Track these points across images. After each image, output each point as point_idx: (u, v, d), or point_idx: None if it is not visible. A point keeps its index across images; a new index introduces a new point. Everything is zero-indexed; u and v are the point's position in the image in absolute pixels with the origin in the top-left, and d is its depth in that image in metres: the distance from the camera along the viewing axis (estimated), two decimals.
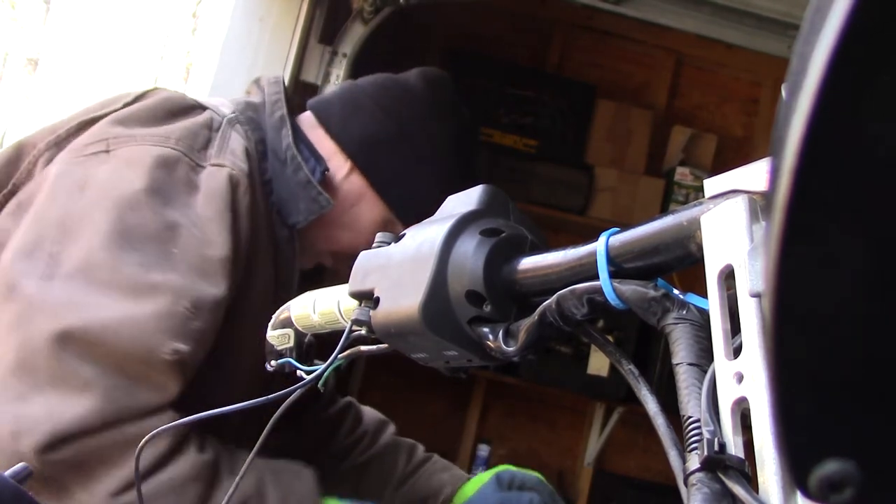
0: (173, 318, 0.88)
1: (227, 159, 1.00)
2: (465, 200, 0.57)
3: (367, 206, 1.16)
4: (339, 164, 1.15)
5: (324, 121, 1.17)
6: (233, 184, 0.98)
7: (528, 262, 0.53)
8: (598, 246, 0.46)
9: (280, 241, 1.10)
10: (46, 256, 0.89)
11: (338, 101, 1.19)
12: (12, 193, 1.00)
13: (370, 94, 1.18)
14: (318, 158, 1.13)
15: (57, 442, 0.81)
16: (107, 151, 0.96)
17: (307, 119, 1.19)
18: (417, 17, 2.46)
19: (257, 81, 1.19)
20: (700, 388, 0.38)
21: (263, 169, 1.08)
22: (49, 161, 1.00)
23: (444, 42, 3.05)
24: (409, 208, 1.15)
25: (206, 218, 0.95)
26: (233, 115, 1.07)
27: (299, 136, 1.13)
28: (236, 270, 0.98)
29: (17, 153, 1.02)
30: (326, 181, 1.13)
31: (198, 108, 1.04)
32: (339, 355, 0.63)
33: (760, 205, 0.39)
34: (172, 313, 0.88)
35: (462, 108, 1.23)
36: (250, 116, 1.10)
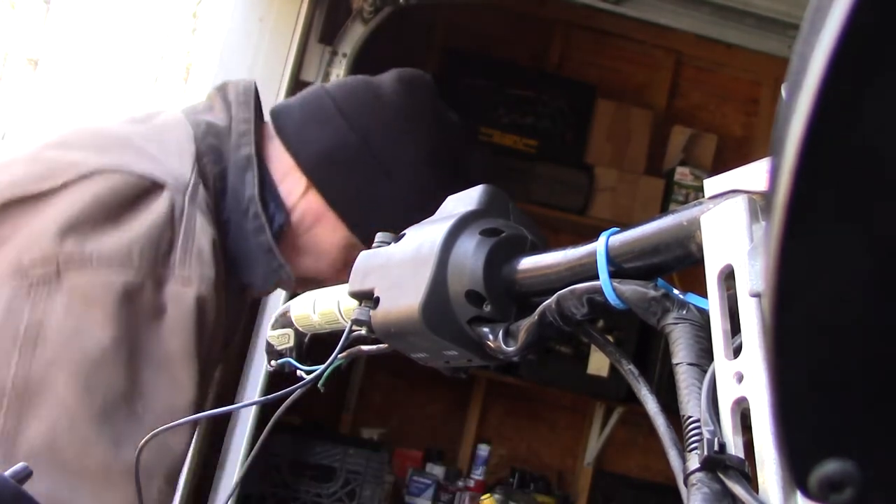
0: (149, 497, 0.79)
1: (194, 271, 0.87)
2: (465, 200, 0.57)
3: (328, 228, 1.04)
4: (295, 181, 1.03)
5: (281, 131, 1.04)
6: (200, 307, 0.87)
7: (528, 262, 0.53)
8: (598, 246, 0.46)
9: (231, 292, 0.97)
10: (1, 431, 0.78)
11: (298, 109, 1.06)
12: None
13: (336, 100, 1.05)
14: (281, 206, 1.02)
15: None
16: (58, 277, 0.82)
17: (267, 130, 1.05)
18: (417, 16, 2.46)
19: (223, 90, 1.05)
20: (700, 388, 0.38)
21: (221, 208, 0.97)
22: None
23: (444, 42, 3.05)
24: (373, 231, 1.00)
25: (173, 354, 0.85)
26: (194, 174, 0.92)
27: (265, 182, 1.00)
28: (203, 388, 0.90)
29: None
30: (281, 200, 1.02)
31: (153, 188, 0.88)
32: (339, 355, 0.63)
33: (760, 205, 0.39)
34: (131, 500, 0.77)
35: (445, 114, 1.11)
36: (212, 145, 0.98)
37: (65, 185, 0.85)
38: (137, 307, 0.83)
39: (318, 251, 1.06)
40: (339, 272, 1.05)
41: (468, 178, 0.92)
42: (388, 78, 1.10)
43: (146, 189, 0.88)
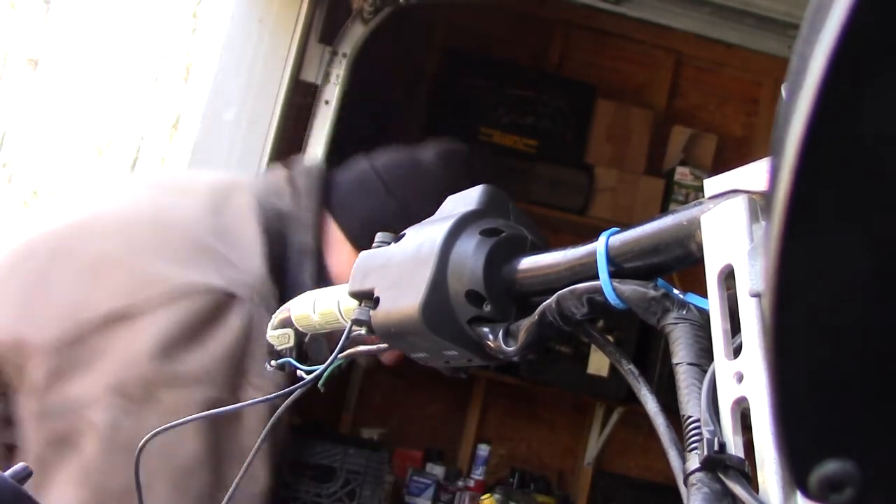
0: None
1: (266, 378, 0.95)
2: (465, 200, 0.57)
3: None
4: (346, 253, 1.11)
5: (332, 207, 1.13)
6: (272, 409, 0.94)
7: (528, 262, 0.53)
8: (598, 246, 0.46)
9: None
10: None
11: (347, 184, 1.15)
12: (26, 376, 0.93)
13: (381, 173, 1.15)
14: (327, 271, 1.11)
15: None
16: (153, 396, 0.92)
17: (324, 211, 1.13)
18: (417, 16, 2.46)
19: (293, 181, 1.13)
20: (700, 388, 0.38)
21: (283, 285, 1.03)
22: (70, 361, 0.92)
23: (444, 42, 3.05)
24: None
25: (249, 450, 0.92)
26: (267, 273, 1.00)
27: (321, 268, 1.09)
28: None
29: (37, 333, 0.93)
30: (340, 274, 1.09)
31: (230, 301, 0.95)
32: (339, 355, 0.63)
33: (760, 205, 0.39)
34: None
35: (479, 181, 1.17)
36: (278, 230, 1.06)
37: (154, 307, 0.94)
38: (220, 418, 0.93)
39: None
40: None
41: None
42: (429, 150, 1.18)
43: (224, 303, 0.96)
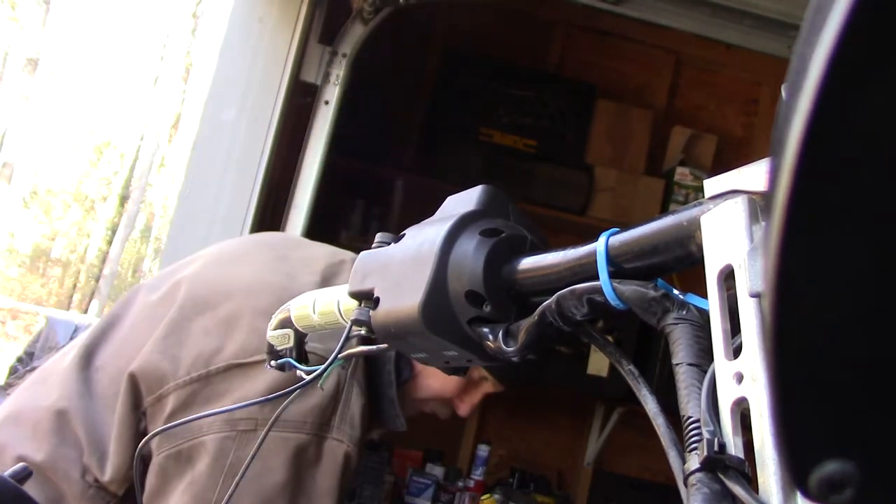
0: None
1: (346, 432, 1.15)
2: (464, 200, 0.57)
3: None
4: (433, 373, 1.30)
5: None
6: (346, 459, 1.15)
7: (528, 263, 0.53)
8: (598, 246, 0.46)
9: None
10: None
11: None
12: (160, 401, 1.14)
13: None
14: (408, 363, 1.29)
15: None
16: (255, 431, 1.10)
17: None
18: (417, 16, 2.46)
19: None
20: (700, 389, 0.38)
21: (374, 374, 1.24)
22: (195, 393, 1.13)
23: (444, 42, 3.05)
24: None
25: (322, 492, 1.13)
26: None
27: (400, 380, 1.28)
28: None
29: (173, 367, 1.14)
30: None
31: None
32: (339, 355, 0.63)
33: (760, 205, 0.39)
34: None
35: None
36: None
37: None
38: (304, 459, 1.13)
39: (445, 379, 1.32)
40: (463, 388, 1.39)
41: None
42: None
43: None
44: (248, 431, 1.11)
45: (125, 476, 1.14)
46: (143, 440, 1.02)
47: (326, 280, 1.23)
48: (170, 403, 1.13)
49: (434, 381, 1.32)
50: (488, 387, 1.42)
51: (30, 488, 1.10)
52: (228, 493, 1.02)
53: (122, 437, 1.15)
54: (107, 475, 1.14)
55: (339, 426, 1.16)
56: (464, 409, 1.40)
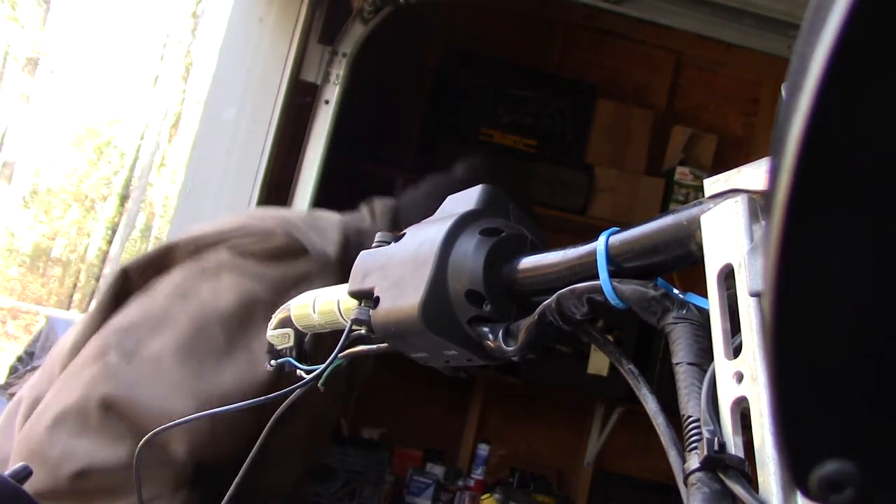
0: (196, 422, 1.05)
1: None
2: (464, 200, 0.57)
3: None
4: None
5: (399, 225, 1.37)
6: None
7: (528, 262, 0.53)
8: (598, 245, 0.46)
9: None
10: (135, 340, 1.13)
11: (404, 205, 1.45)
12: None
13: (427, 191, 1.46)
14: None
15: (83, 474, 1.03)
16: (217, 272, 1.19)
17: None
18: (417, 16, 2.46)
19: (372, 206, 1.43)
20: (700, 388, 0.38)
21: None
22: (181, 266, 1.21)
23: (444, 42, 3.05)
24: None
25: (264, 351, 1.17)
26: (337, 255, 1.25)
27: None
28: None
29: (167, 253, 1.25)
30: None
31: (300, 252, 1.22)
32: (339, 355, 0.63)
33: (760, 205, 0.39)
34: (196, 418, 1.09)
35: (497, 175, 1.52)
36: (359, 242, 1.31)
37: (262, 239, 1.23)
38: (255, 311, 1.15)
39: None
40: None
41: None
42: (458, 166, 1.50)
43: (295, 250, 1.22)
44: (210, 272, 1.19)
45: None
46: (150, 434, 0.87)
47: (312, 215, 1.37)
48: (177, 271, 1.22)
49: None
50: None
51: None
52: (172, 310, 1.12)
53: None
54: None
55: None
56: None
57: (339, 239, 1.29)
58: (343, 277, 1.20)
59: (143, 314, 1.16)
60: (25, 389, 1.28)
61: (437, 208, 1.43)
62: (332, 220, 1.37)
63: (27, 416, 1.18)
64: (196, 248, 1.24)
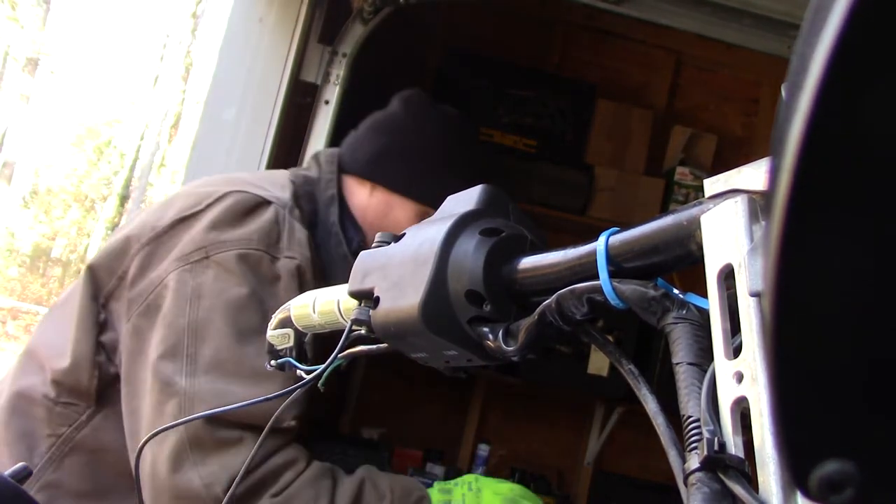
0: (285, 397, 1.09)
1: (296, 251, 1.25)
2: (464, 200, 0.57)
3: (399, 209, 1.43)
4: (363, 192, 1.43)
5: (343, 166, 1.46)
6: (300, 272, 1.24)
7: (528, 262, 0.53)
8: (598, 245, 0.46)
9: None
10: (186, 357, 1.15)
11: (347, 147, 1.49)
12: (121, 279, 1.25)
13: (366, 127, 1.49)
14: (358, 230, 1.41)
15: (232, 482, 1.08)
16: (207, 258, 1.20)
17: (344, 176, 1.46)
18: (417, 16, 2.46)
19: (317, 157, 1.48)
20: (700, 388, 0.38)
21: (314, 234, 1.33)
22: (151, 254, 1.24)
23: (444, 42, 3.05)
24: (426, 190, 1.42)
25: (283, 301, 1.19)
26: (292, 200, 1.32)
27: (344, 212, 1.41)
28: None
29: (125, 246, 1.26)
30: (358, 225, 1.42)
31: (263, 203, 1.27)
32: (339, 355, 0.63)
33: (760, 205, 0.39)
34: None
35: (438, 105, 1.52)
36: (307, 191, 1.38)
37: (208, 206, 1.26)
38: (260, 273, 1.21)
39: (399, 229, 1.40)
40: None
41: (470, 134, 1.58)
42: (393, 100, 1.54)
43: (259, 203, 1.27)
44: (201, 260, 1.20)
45: (90, 365, 1.21)
46: (149, 436, 0.92)
47: (259, 172, 1.45)
48: (130, 272, 1.23)
49: (397, 218, 1.43)
50: None
51: (3, 427, 1.17)
52: (198, 310, 1.14)
53: (82, 326, 1.23)
54: (67, 361, 1.21)
55: (290, 246, 1.25)
56: None
57: (289, 185, 1.34)
58: (299, 217, 1.32)
59: (174, 332, 1.16)
60: (4, 383, 1.30)
61: (381, 142, 1.46)
62: (278, 172, 1.43)
63: (7, 408, 1.23)
64: (156, 235, 1.25)
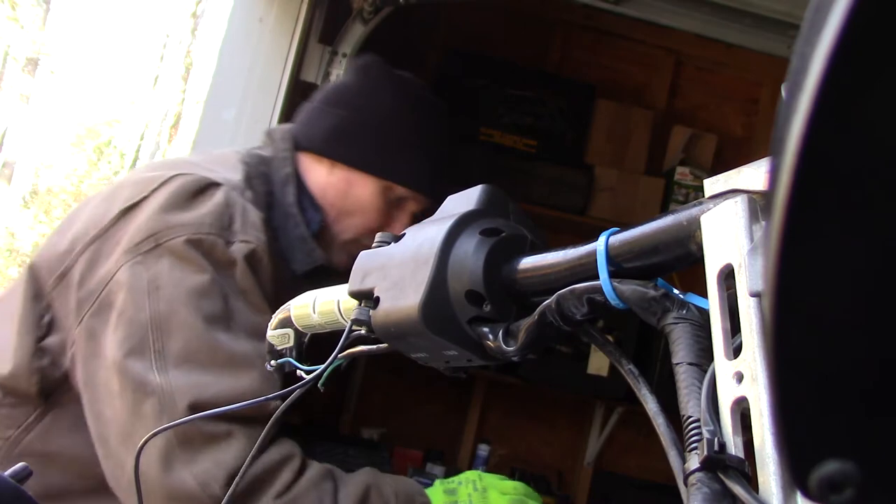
0: (266, 380, 1.08)
1: (251, 234, 1.18)
2: (464, 200, 0.57)
3: (359, 185, 1.34)
4: (321, 170, 1.35)
5: (299, 141, 1.37)
6: (257, 257, 1.18)
7: (528, 262, 0.53)
8: (598, 245, 0.46)
9: (285, 281, 1.24)
10: (154, 353, 1.09)
11: (301, 122, 1.41)
12: (65, 278, 1.18)
13: (321, 99, 1.41)
14: (317, 210, 1.34)
15: (231, 479, 1.03)
16: (158, 246, 1.13)
17: (299, 155, 1.38)
18: (417, 16, 2.46)
19: (271, 134, 1.40)
20: (700, 388, 0.38)
21: (271, 217, 1.27)
22: (98, 251, 1.17)
23: (444, 42, 3.05)
24: (388, 165, 1.34)
25: (247, 289, 1.16)
26: (244, 181, 1.25)
27: (302, 192, 1.33)
28: None
29: (69, 244, 1.19)
30: (318, 203, 1.34)
31: (212, 185, 1.20)
32: (339, 355, 0.63)
33: (760, 205, 0.39)
34: (264, 377, 1.08)
35: (395, 73, 1.45)
36: (262, 171, 1.31)
37: (153, 191, 1.19)
38: (216, 258, 1.14)
39: (361, 208, 1.35)
40: (387, 214, 1.37)
41: (433, 104, 1.47)
42: (348, 69, 1.54)
43: (207, 186, 1.20)
44: (152, 249, 1.14)
45: (29, 370, 1.15)
46: (143, 442, 0.83)
47: (210, 154, 1.36)
48: (77, 271, 1.16)
49: (353, 219, 1.36)
50: (413, 205, 1.39)
51: None
52: (158, 303, 1.08)
53: (22, 329, 1.17)
54: (9, 366, 1.15)
55: (244, 230, 1.18)
56: (396, 232, 1.47)
57: (241, 166, 1.28)
58: (253, 199, 1.25)
59: (136, 328, 1.10)
60: None
61: (338, 116, 1.36)
62: (228, 152, 1.36)
63: None
64: (104, 230, 1.18)
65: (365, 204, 1.35)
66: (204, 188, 1.19)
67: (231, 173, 1.25)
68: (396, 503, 1.12)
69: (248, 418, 1.06)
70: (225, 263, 1.15)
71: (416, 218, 1.38)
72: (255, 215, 1.21)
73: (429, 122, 1.41)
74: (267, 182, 1.30)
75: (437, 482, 1.21)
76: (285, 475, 1.07)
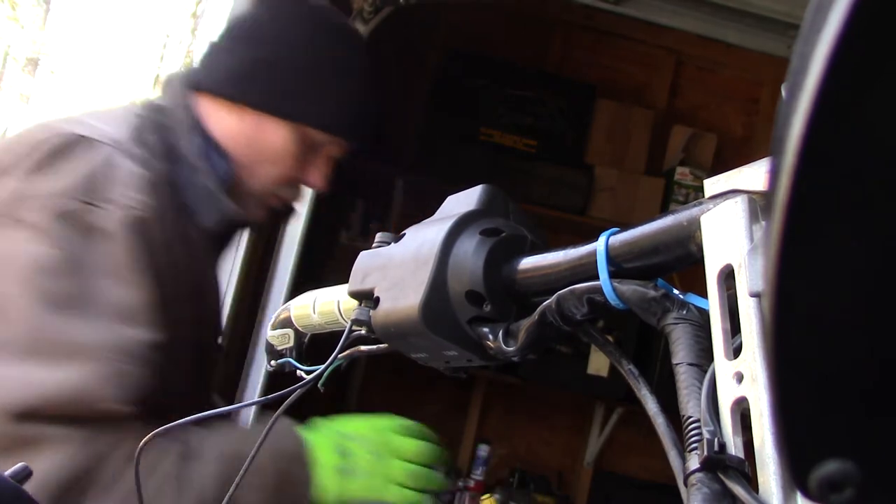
0: (115, 374, 0.94)
1: (132, 198, 1.03)
2: (464, 200, 0.57)
3: (272, 131, 1.19)
4: (226, 114, 1.19)
5: (198, 84, 1.20)
6: (144, 224, 1.02)
7: (528, 262, 0.53)
8: (598, 246, 0.46)
9: (193, 239, 1.14)
10: None
11: (203, 63, 1.24)
12: None
13: (224, 36, 1.24)
14: (224, 158, 1.18)
15: (52, 492, 0.88)
16: (16, 215, 0.98)
17: (201, 100, 1.21)
18: (417, 16, 2.46)
19: (170, 81, 1.23)
20: (700, 388, 0.38)
21: (175, 172, 1.12)
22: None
23: (444, 42, 3.05)
24: (301, 107, 1.19)
25: (121, 264, 0.99)
26: (132, 136, 1.10)
27: (208, 140, 1.18)
28: (164, 306, 1.02)
29: None
30: (223, 150, 1.19)
31: (82, 142, 1.04)
32: (339, 355, 0.63)
33: (760, 205, 0.39)
34: (112, 370, 0.94)
35: (307, 1, 1.26)
36: (160, 122, 1.15)
37: (17, 156, 1.03)
38: (74, 227, 0.97)
39: (275, 154, 1.20)
40: (303, 161, 1.22)
41: (351, 35, 1.30)
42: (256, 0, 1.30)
43: (76, 142, 1.04)
44: (5, 221, 0.99)
45: None
46: (144, 440, 0.76)
47: (98, 109, 1.22)
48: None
49: (267, 168, 1.21)
50: (332, 150, 1.25)
51: None
52: None
53: None
54: None
55: (121, 192, 1.02)
56: (315, 179, 1.24)
57: (131, 119, 1.13)
58: (146, 155, 1.10)
59: None
60: None
61: (243, 54, 1.21)
62: (120, 105, 1.23)
63: None
64: None
65: (278, 150, 1.19)
66: (71, 146, 1.03)
67: (113, 127, 1.09)
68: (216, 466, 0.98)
69: (71, 418, 0.92)
70: (93, 234, 0.99)
71: (335, 163, 1.26)
72: (137, 175, 1.05)
73: (346, 57, 1.23)
74: (165, 133, 1.14)
75: (326, 434, 1.07)
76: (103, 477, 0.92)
